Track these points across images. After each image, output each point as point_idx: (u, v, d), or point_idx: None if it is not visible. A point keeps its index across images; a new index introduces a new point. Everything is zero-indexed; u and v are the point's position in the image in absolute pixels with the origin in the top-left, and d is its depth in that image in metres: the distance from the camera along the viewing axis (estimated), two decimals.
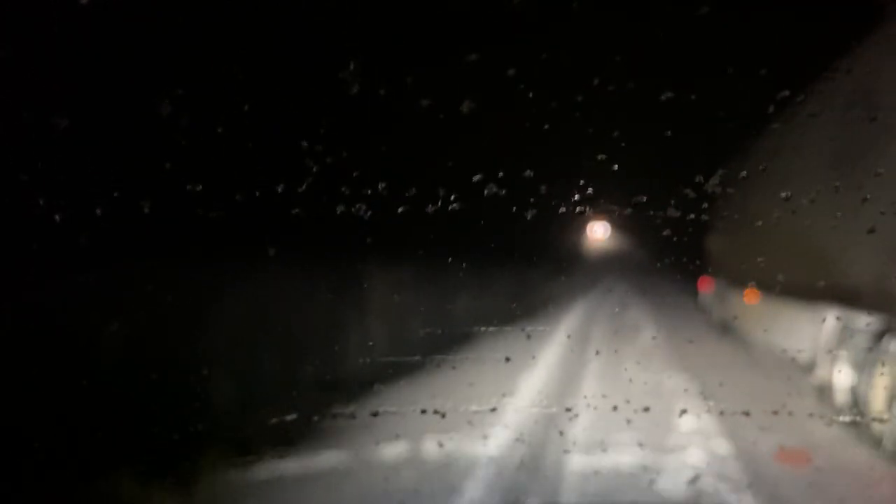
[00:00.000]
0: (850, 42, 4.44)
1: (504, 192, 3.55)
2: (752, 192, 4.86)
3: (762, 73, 3.51)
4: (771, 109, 3.79)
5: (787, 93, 3.53)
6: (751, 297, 7.18)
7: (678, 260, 5.54)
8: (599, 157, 3.76)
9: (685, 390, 5.07)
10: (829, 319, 5.29)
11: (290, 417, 3.74)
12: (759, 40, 3.62)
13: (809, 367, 5.53)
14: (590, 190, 3.63)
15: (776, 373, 5.81)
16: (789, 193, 3.95)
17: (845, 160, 4.34)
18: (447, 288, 5.67)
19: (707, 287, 10.03)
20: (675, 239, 3.99)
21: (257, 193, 3.34)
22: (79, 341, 3.37)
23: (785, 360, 5.72)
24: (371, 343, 5.15)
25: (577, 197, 3.66)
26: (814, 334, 5.50)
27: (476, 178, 3.58)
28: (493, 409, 5.06)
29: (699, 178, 3.80)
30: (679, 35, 3.63)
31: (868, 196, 3.73)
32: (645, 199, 3.74)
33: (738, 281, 7.83)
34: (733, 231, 7.08)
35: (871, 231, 3.60)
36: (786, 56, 3.70)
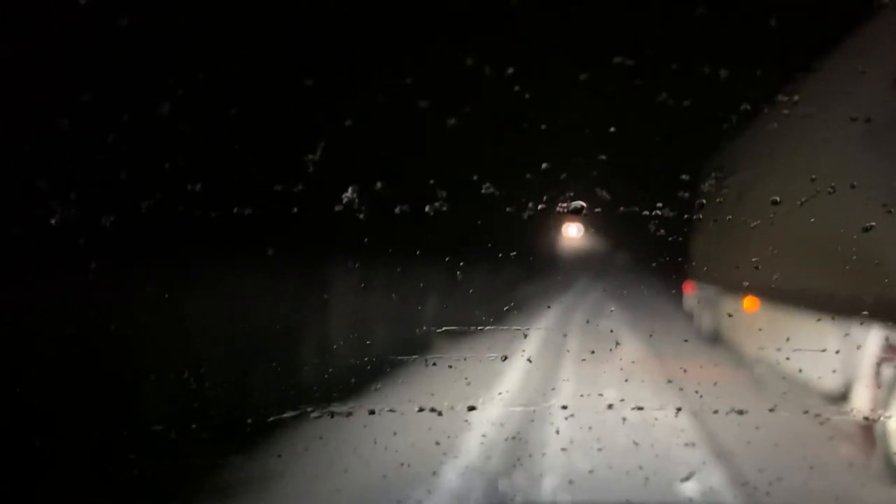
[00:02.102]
0: (846, 43, 4.46)
1: (499, 192, 3.57)
2: (746, 193, 4.87)
3: (757, 74, 3.53)
4: (766, 110, 3.83)
5: (782, 94, 3.56)
6: (749, 305, 6.80)
7: (665, 262, 5.54)
8: (589, 158, 3.79)
9: (680, 389, 5.09)
10: (873, 341, 4.50)
11: (289, 415, 3.76)
12: (755, 42, 3.63)
13: (839, 397, 4.80)
14: (571, 192, 3.64)
15: (771, 372, 5.83)
16: (787, 195, 3.96)
17: (842, 161, 4.36)
18: (444, 287, 5.68)
19: (693, 291, 9.89)
20: (667, 240, 4.00)
21: (257, 193, 3.35)
22: (77, 341, 3.38)
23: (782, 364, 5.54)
24: (368, 342, 5.16)
25: (571, 195, 3.68)
26: (844, 357, 4.67)
27: (473, 178, 3.59)
28: (490, 408, 5.09)
29: (687, 179, 3.83)
30: (674, 36, 3.65)
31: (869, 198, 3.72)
32: (632, 199, 3.76)
33: (728, 286, 7.74)
34: (725, 233, 7.02)
35: (867, 230, 3.62)
36: (781, 57, 3.72)
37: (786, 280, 5.30)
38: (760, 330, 5.98)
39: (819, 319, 4.79)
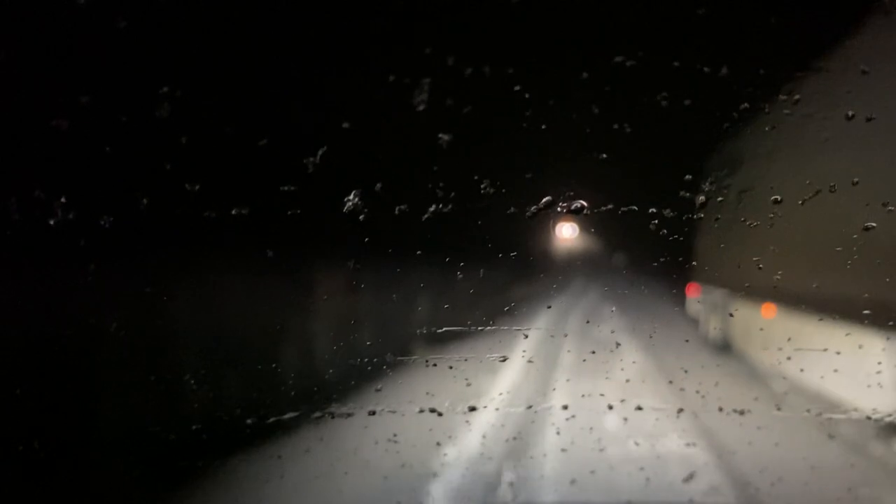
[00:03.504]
0: (846, 42, 4.45)
1: (499, 192, 3.57)
2: (749, 193, 4.84)
3: (759, 73, 3.53)
4: (766, 110, 3.82)
5: (782, 94, 3.55)
6: (766, 311, 6.50)
7: (666, 262, 5.51)
8: (589, 158, 3.78)
9: (681, 389, 5.08)
10: None
11: (289, 416, 3.75)
12: (756, 41, 3.63)
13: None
14: (571, 192, 3.63)
15: (774, 371, 5.80)
16: (791, 194, 3.94)
17: (843, 161, 4.34)
18: (444, 288, 5.68)
19: (697, 294, 9.61)
20: (668, 240, 4.00)
21: (257, 194, 3.35)
22: (77, 341, 3.37)
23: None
24: (369, 343, 5.15)
25: (572, 195, 3.67)
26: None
27: (473, 178, 3.59)
28: (491, 408, 5.08)
29: (688, 178, 3.82)
30: (674, 36, 3.65)
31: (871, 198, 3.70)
32: (633, 198, 3.75)
33: (737, 289, 7.53)
34: (730, 233, 6.90)
35: (867, 229, 3.61)
36: (782, 57, 3.72)
37: (803, 283, 5.23)
38: (786, 339, 5.69)
39: (848, 334, 4.57)
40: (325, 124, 3.65)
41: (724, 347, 8.23)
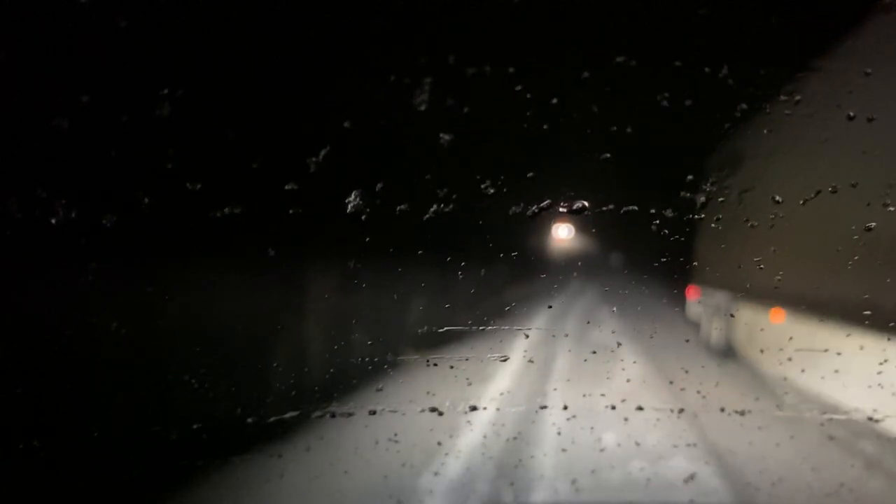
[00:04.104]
0: (847, 42, 4.45)
1: (500, 192, 3.57)
2: (750, 193, 4.81)
3: (760, 73, 3.52)
4: (767, 110, 3.81)
5: (783, 94, 3.55)
6: (774, 316, 6.33)
7: (667, 262, 5.50)
8: (590, 157, 3.78)
9: (682, 389, 5.08)
10: None
11: (289, 416, 3.75)
12: (757, 41, 3.62)
13: None
14: (572, 192, 3.63)
15: (775, 372, 5.80)
16: (792, 194, 3.94)
17: (843, 161, 4.34)
18: (444, 287, 5.68)
19: (697, 296, 9.49)
20: (669, 240, 3.99)
21: (257, 194, 3.35)
22: (77, 341, 3.38)
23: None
24: (369, 342, 5.16)
25: (573, 195, 3.67)
26: None
27: (474, 177, 3.59)
28: (491, 408, 5.08)
29: (689, 179, 3.82)
30: (675, 36, 3.64)
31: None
32: (634, 198, 3.75)
33: (741, 292, 7.39)
34: (731, 235, 6.85)
35: (868, 230, 3.61)
36: (783, 57, 3.71)
37: (804, 284, 5.20)
38: (787, 340, 5.54)
39: (849, 335, 4.52)
40: (326, 124, 3.65)
41: (725, 348, 8.20)
